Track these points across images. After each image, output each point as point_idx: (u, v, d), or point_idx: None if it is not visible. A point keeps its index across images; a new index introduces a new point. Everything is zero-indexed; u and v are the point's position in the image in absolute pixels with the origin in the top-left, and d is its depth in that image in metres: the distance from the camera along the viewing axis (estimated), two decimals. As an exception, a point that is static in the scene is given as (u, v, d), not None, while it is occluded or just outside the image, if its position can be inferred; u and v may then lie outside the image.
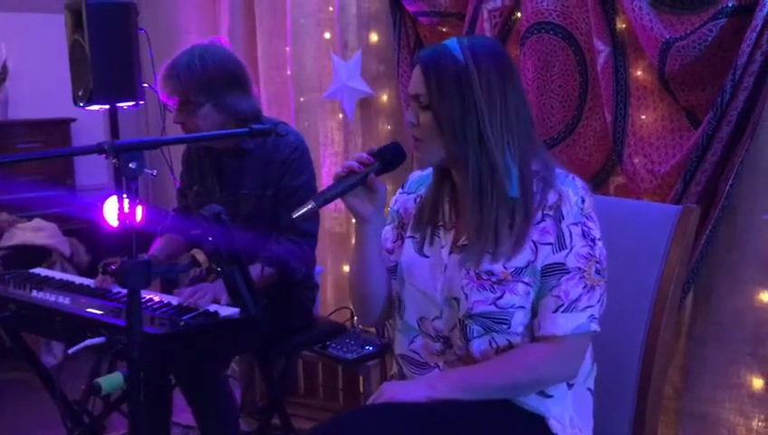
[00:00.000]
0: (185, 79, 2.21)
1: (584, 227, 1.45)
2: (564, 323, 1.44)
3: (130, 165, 1.45)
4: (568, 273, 1.44)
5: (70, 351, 1.78)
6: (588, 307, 1.44)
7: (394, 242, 1.67)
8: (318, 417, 2.75)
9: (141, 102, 3.24)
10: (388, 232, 1.67)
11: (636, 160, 1.96)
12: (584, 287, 1.44)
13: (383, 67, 3.03)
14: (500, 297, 1.46)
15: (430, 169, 1.64)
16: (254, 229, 2.26)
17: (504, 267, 1.46)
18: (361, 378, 2.78)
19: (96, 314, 1.97)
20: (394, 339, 1.67)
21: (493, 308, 1.47)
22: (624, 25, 2.03)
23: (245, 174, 2.34)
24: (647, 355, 1.68)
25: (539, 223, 1.45)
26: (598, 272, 1.45)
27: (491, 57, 1.49)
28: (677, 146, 1.90)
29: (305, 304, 2.52)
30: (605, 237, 1.47)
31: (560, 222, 1.44)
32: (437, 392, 1.46)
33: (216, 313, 1.96)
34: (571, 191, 1.45)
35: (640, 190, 1.94)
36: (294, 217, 1.48)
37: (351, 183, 1.51)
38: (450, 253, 1.54)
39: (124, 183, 1.44)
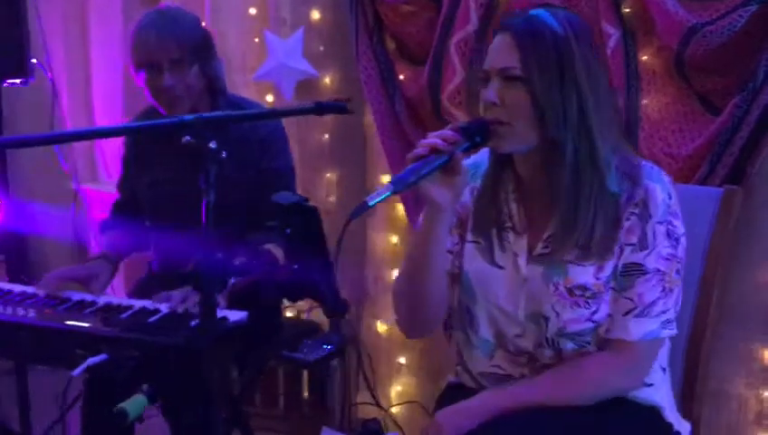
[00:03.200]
0: (180, 34, 1.95)
1: (669, 226, 1.37)
2: (635, 329, 1.36)
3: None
4: (645, 274, 1.36)
5: (74, 373, 1.47)
6: (662, 312, 1.37)
7: (456, 244, 1.49)
8: (279, 428, 2.52)
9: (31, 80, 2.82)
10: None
11: (652, 144, 1.97)
12: (662, 291, 1.37)
13: (324, 48, 2.85)
14: (595, 312, 1.37)
15: (481, 158, 1.50)
16: (235, 220, 2.01)
17: (597, 278, 1.36)
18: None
19: (82, 326, 1.64)
20: (465, 354, 1.51)
21: (589, 325, 1.38)
22: (629, 10, 2.03)
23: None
24: (693, 340, 1.69)
25: (625, 222, 1.37)
26: (677, 272, 1.38)
27: (586, 33, 1.40)
28: (693, 130, 1.93)
29: (277, 305, 2.30)
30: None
31: (646, 221, 1.35)
32: (493, 414, 1.35)
33: (224, 318, 1.70)
34: (659, 188, 1.36)
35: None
36: (371, 204, 1.30)
37: (437, 164, 1.33)
38: (528, 263, 1.41)
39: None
